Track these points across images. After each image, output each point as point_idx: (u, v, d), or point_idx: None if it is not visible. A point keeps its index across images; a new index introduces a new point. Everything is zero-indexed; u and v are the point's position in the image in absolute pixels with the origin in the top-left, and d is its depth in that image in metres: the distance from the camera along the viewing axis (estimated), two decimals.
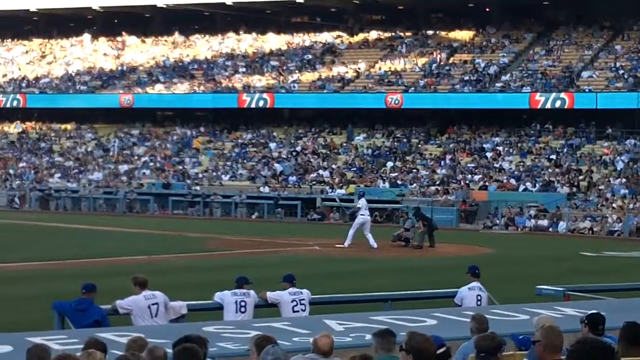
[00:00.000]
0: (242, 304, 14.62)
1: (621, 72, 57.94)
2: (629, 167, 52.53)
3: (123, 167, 62.78)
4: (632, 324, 8.32)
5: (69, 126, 70.86)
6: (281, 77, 66.07)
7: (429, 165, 56.94)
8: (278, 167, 59.46)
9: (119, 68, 72.80)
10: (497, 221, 48.94)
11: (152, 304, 14.00)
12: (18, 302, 21.37)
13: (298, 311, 14.88)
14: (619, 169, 52.39)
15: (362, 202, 36.90)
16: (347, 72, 65.11)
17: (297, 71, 66.80)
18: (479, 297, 15.71)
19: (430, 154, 58.59)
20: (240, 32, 73.25)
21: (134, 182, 59.91)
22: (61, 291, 18.57)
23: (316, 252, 35.58)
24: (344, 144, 61.43)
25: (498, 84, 59.94)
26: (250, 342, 8.67)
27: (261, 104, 63.45)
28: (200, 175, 60.06)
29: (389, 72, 63.66)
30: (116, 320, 14.11)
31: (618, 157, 53.61)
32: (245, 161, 61.39)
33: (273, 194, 54.86)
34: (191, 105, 67.19)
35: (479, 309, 14.30)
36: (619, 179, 51.15)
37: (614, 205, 47.96)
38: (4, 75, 74.91)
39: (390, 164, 57.72)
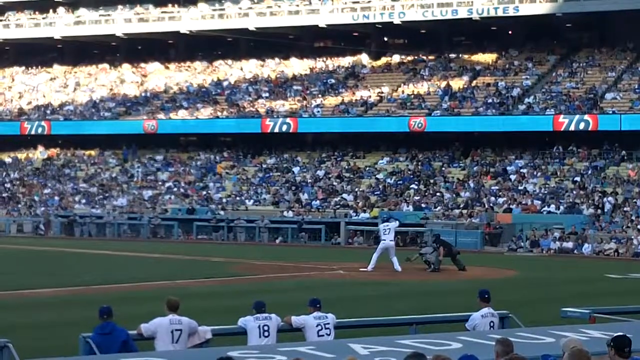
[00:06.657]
0: (265, 328, 14.57)
1: None
2: None
3: (147, 193, 62.99)
4: None
5: (93, 152, 71.20)
6: (304, 102, 66.17)
7: (453, 188, 56.82)
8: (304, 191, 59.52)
9: (143, 94, 73.11)
10: (522, 244, 48.79)
11: (176, 330, 13.95)
12: (44, 328, 21.41)
13: (323, 335, 14.81)
14: None
15: (382, 226, 37.09)
16: (370, 96, 65.15)
17: (320, 95, 66.89)
18: (491, 324, 15.57)
19: (454, 177, 58.50)
20: (263, 57, 73.47)
21: (158, 208, 60.10)
22: (86, 317, 18.57)
23: (340, 276, 35.54)
24: (368, 168, 61.45)
25: (521, 107, 59.82)
26: None
27: (284, 128, 63.53)
28: (224, 200, 60.17)
29: (412, 96, 63.66)
30: (140, 345, 14.08)
31: None
32: (269, 185, 61.47)
33: (297, 218, 54.91)
34: (215, 131, 67.38)
35: (499, 332, 14.20)
36: None
37: (639, 226, 47.70)
38: (29, 103, 75.38)
39: (413, 187, 57.65)
